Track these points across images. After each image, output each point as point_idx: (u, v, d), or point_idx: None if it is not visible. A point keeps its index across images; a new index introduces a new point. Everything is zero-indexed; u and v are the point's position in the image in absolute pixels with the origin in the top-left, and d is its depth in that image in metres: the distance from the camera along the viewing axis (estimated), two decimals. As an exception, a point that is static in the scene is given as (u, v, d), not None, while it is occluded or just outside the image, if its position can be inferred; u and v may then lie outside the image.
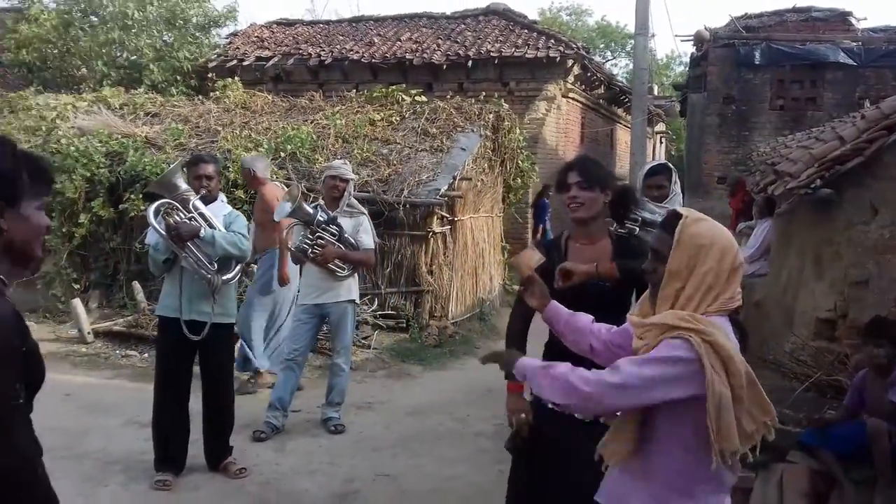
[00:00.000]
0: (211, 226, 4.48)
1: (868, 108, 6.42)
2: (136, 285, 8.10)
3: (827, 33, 13.76)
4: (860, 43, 13.35)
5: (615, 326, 2.49)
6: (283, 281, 6.30)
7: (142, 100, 10.67)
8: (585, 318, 2.55)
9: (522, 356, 2.41)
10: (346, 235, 5.45)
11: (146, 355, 7.16)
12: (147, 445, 4.72)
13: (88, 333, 7.49)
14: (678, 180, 5.02)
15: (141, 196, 8.09)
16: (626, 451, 2.20)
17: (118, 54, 13.60)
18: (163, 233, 4.38)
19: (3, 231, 1.73)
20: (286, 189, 6.13)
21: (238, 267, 4.73)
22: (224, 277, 4.55)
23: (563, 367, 2.17)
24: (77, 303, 7.66)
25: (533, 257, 2.68)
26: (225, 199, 4.97)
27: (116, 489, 4.44)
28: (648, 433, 2.18)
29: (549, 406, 2.98)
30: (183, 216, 4.42)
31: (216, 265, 4.49)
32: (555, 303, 2.61)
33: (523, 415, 3.12)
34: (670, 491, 2.15)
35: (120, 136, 8.96)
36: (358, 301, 5.90)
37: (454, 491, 4.63)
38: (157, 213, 4.42)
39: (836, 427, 4.33)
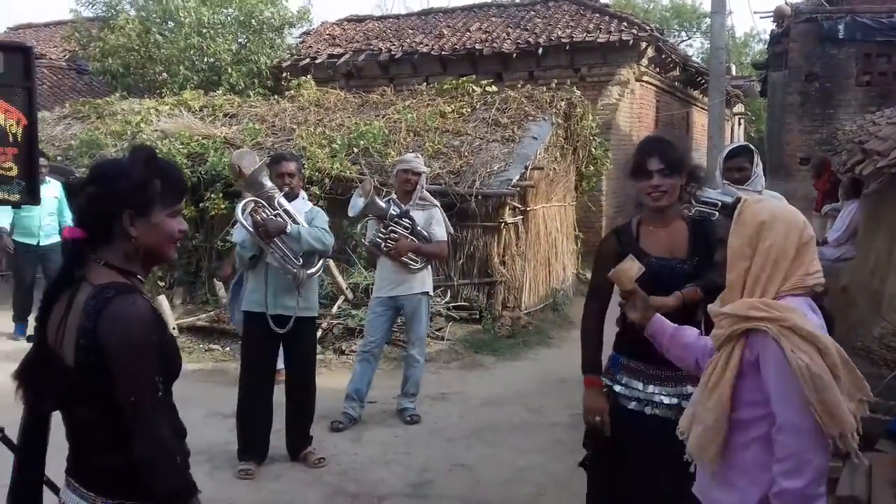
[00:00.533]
0: (295, 222, 4.60)
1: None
2: (218, 282, 8.37)
3: (918, 2, 13.03)
4: (954, 11, 12.59)
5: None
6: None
7: (220, 101, 10.99)
8: (691, 333, 2.49)
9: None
10: (418, 228, 5.50)
11: (228, 349, 7.41)
12: (230, 436, 4.88)
13: (174, 328, 7.77)
14: (760, 162, 4.86)
15: (221, 195, 8.34)
16: (708, 443, 2.12)
17: (198, 59, 14.01)
18: (251, 230, 4.51)
19: (132, 237, 1.84)
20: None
21: (321, 261, 4.84)
22: (309, 272, 4.67)
23: (780, 488, 1.98)
24: (162, 299, 7.98)
25: (633, 268, 2.55)
26: (306, 196, 5.10)
27: (202, 478, 4.54)
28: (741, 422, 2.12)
29: (628, 407, 2.96)
30: (269, 213, 4.54)
31: (301, 260, 4.61)
32: (659, 316, 2.53)
33: (598, 417, 3.03)
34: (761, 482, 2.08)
35: (200, 138, 9.27)
36: (432, 293, 5.95)
37: (529, 481, 4.62)
38: (244, 210, 4.56)
39: (928, 416, 4.13)
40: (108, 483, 1.84)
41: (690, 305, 2.91)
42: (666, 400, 2.94)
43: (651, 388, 2.95)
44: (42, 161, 7.35)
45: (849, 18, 12.74)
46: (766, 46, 18.69)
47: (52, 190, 7.60)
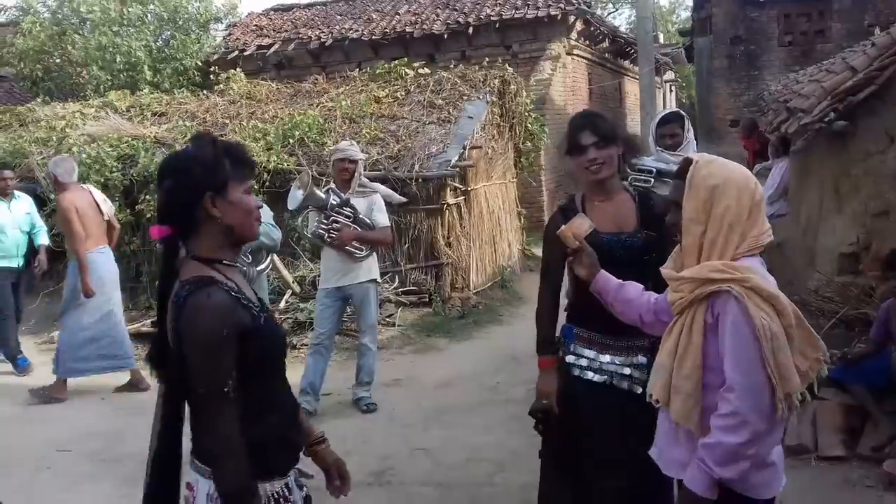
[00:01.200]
0: None
1: (878, 35, 6.27)
2: (160, 285, 8.18)
3: (832, -39, 13.42)
4: (867, -32, 13.00)
5: (659, 295, 2.42)
6: (87, 293, 6.04)
7: (147, 100, 10.70)
8: (635, 288, 2.50)
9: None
10: (360, 216, 5.46)
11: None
12: (185, 444, 4.78)
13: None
14: (691, 127, 4.95)
15: (155, 196, 8.14)
16: (691, 408, 2.12)
17: (111, 58, 13.57)
18: None
19: (217, 218, 1.91)
20: (83, 192, 6.11)
21: (269, 257, 4.76)
22: (258, 268, 4.59)
23: (715, 440, 2.04)
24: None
25: (583, 225, 2.55)
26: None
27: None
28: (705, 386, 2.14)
29: (584, 378, 2.94)
30: None
31: (250, 257, 4.52)
32: (604, 273, 2.53)
33: (545, 401, 3.02)
34: None
35: (130, 139, 8.99)
36: (379, 280, 5.92)
37: (487, 459, 4.66)
38: None
39: (866, 360, 4.30)
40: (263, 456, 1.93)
41: (650, 246, 2.90)
42: (618, 369, 2.94)
43: (604, 358, 2.95)
44: (7, 173, 7.02)
45: (768, -20, 13.06)
46: (691, 13, 19.02)
47: (22, 205, 7.07)
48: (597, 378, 2.95)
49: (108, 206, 6.44)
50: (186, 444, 2.00)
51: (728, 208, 2.05)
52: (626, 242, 2.92)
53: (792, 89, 7.83)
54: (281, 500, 1.97)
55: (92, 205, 6.21)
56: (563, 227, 2.60)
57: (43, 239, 7.19)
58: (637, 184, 3.64)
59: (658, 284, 2.46)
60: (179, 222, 1.93)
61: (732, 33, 13.33)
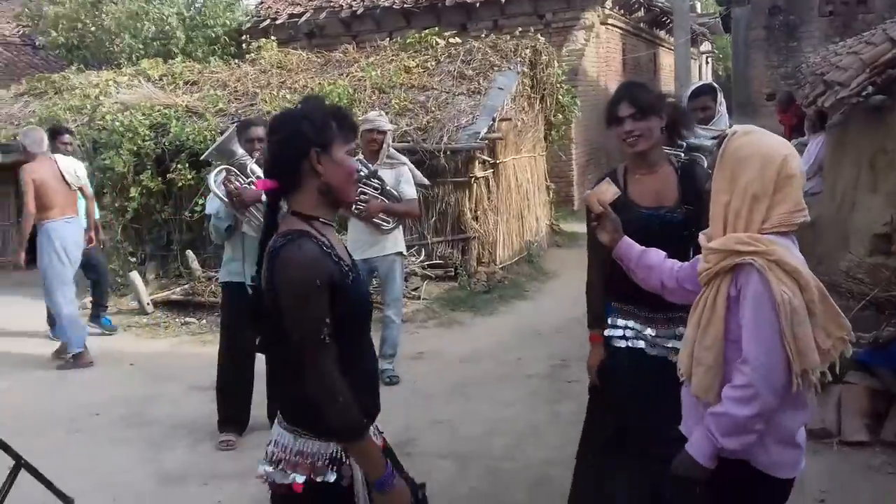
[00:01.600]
0: None
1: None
2: (190, 254, 8.30)
3: (879, -72, 12.96)
4: (916, -65, 12.54)
5: (683, 263, 2.43)
6: (18, 263, 6.33)
7: (180, 69, 10.75)
8: (657, 255, 2.49)
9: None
10: (388, 188, 5.45)
11: (204, 321, 7.38)
12: (210, 409, 4.88)
13: (148, 304, 7.74)
14: (723, 101, 4.85)
15: (187, 165, 8.22)
16: (711, 381, 2.12)
17: (142, 26, 13.63)
18: (225, 199, 4.42)
19: (320, 174, 1.98)
20: (50, 162, 6.17)
21: None
22: None
23: (724, 409, 2.04)
24: (135, 275, 7.90)
25: (609, 191, 2.55)
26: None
27: (182, 451, 4.63)
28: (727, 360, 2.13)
29: (626, 348, 2.95)
30: (242, 181, 4.44)
31: None
32: (627, 239, 2.52)
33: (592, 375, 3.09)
34: None
35: (162, 108, 9.07)
36: (405, 253, 5.93)
37: (508, 431, 4.69)
38: (216, 180, 4.46)
39: (894, 345, 4.22)
40: (291, 413, 2.05)
41: (689, 221, 2.83)
42: (661, 342, 2.92)
43: (648, 331, 2.94)
44: (66, 137, 7.10)
45: (811, -52, 12.66)
46: (730, -18, 18.49)
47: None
48: (640, 345, 2.95)
49: (77, 176, 6.51)
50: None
51: (752, 179, 2.02)
52: (665, 217, 2.89)
53: (830, 61, 7.62)
54: (335, 462, 1.99)
55: (56, 175, 6.32)
56: (587, 192, 2.60)
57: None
58: (680, 156, 3.56)
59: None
60: (285, 176, 2.01)
61: (771, 3, 13.00)
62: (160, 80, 10.44)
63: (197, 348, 6.62)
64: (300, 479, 1.99)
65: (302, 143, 1.98)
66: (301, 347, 1.92)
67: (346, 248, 2.14)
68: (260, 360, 4.78)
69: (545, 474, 4.08)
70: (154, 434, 4.89)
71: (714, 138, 4.51)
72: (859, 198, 5.86)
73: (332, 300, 1.94)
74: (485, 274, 8.14)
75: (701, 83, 5.15)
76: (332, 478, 1.98)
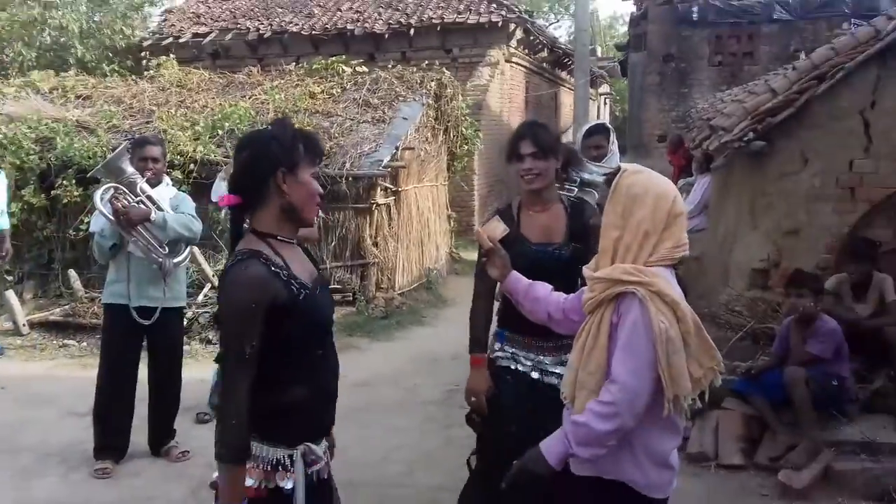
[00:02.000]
0: (159, 209, 4.37)
1: (802, 59, 6.52)
2: (72, 273, 7.90)
3: (764, -14, 13.91)
4: (795, -4, 13.52)
5: (569, 295, 2.48)
6: None
7: (72, 82, 10.31)
8: (544, 288, 2.54)
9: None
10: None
11: (84, 344, 7.03)
12: (86, 435, 4.63)
13: (24, 325, 7.30)
14: (615, 140, 5.06)
15: (74, 182, 7.87)
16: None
17: (38, 33, 13.04)
18: (111, 217, 4.24)
19: (284, 193, 2.05)
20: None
21: (188, 249, 4.65)
22: (175, 260, 4.46)
23: (584, 420, 2.11)
24: (10, 294, 7.44)
25: (497, 228, 2.63)
26: (171, 182, 4.85)
27: (54, 480, 4.35)
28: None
29: (511, 368, 2.99)
30: (131, 200, 4.29)
31: (167, 248, 4.40)
32: (515, 273, 2.58)
33: (474, 398, 3.05)
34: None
35: (50, 121, 8.67)
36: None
37: (401, 459, 4.64)
38: (103, 197, 4.29)
39: (767, 374, 4.44)
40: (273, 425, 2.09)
41: (577, 257, 2.92)
42: (547, 367, 2.99)
43: (538, 358, 3.00)
44: None
45: (702, 1, 13.46)
46: (627, 29, 19.39)
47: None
48: (521, 368, 3.01)
49: None
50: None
51: (644, 217, 2.11)
52: (554, 254, 2.99)
53: (717, 108, 8.07)
54: (280, 467, 2.07)
55: None
56: (477, 228, 2.65)
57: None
58: (571, 195, 3.69)
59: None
60: (249, 193, 2.09)
61: (665, 51, 13.67)
62: (50, 93, 10.00)
63: (75, 372, 6.27)
64: (250, 482, 2.04)
65: (269, 162, 2.05)
66: (224, 360, 2.02)
67: (312, 262, 2.24)
68: (142, 384, 4.60)
69: (433, 500, 4.06)
70: (24, 462, 4.58)
71: (605, 175, 4.72)
72: (740, 235, 6.18)
73: (280, 320, 2.00)
74: (383, 300, 8.11)
75: (595, 123, 5.35)
76: (286, 484, 2.06)
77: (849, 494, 3.98)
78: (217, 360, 2.37)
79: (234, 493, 2.00)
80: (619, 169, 2.23)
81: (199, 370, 5.89)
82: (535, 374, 3.00)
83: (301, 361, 2.08)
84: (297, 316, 2.03)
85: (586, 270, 2.26)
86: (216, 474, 2.05)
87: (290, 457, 2.08)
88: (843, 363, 4.34)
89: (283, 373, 2.06)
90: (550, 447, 2.17)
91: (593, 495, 2.20)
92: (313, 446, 2.11)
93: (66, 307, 7.60)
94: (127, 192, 4.31)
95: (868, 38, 5.31)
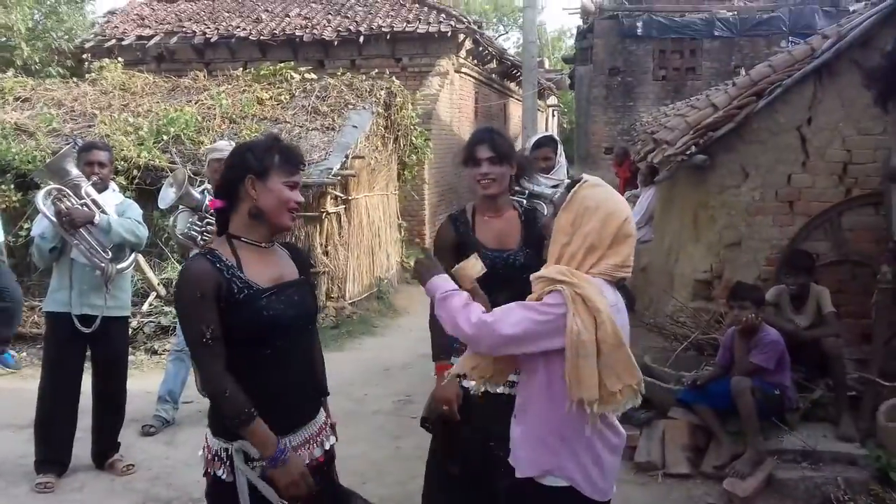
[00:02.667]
0: (104, 213, 4.28)
1: (741, 76, 6.72)
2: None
3: (705, 3, 14.30)
4: (736, 13, 13.94)
5: None
6: None
7: (10, 84, 9.99)
8: None
9: (442, 273, 2.39)
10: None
11: (24, 354, 6.81)
12: (25, 448, 4.50)
13: (-39, 335, 7.04)
14: (563, 152, 5.15)
15: (12, 186, 7.63)
16: (491, 371, 2.32)
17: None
18: (53, 219, 4.14)
19: (253, 199, 2.23)
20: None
21: (132, 255, 4.55)
22: (119, 266, 4.36)
23: (457, 302, 2.25)
24: (-55, 302, 7.17)
25: (476, 267, 2.56)
26: (117, 189, 4.75)
27: (-8, 496, 4.22)
28: (523, 378, 2.31)
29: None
30: (74, 202, 4.20)
31: (110, 253, 4.30)
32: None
33: (446, 407, 3.00)
34: (546, 435, 2.22)
35: (-14, 124, 8.39)
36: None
37: (351, 470, 4.56)
38: (46, 198, 4.19)
39: (712, 384, 4.55)
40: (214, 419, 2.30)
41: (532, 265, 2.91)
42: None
43: None
44: None
45: (646, 17, 13.76)
46: (574, 42, 19.72)
47: None
48: (470, 384, 2.94)
49: None
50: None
51: (592, 230, 2.16)
52: (508, 259, 3.03)
53: (660, 122, 8.26)
54: (216, 459, 2.24)
55: None
56: (456, 266, 2.59)
57: None
58: (513, 200, 3.74)
59: None
60: (226, 197, 2.28)
61: (611, 64, 13.94)
62: (-14, 94, 9.67)
63: (13, 383, 6.09)
64: (202, 470, 2.28)
65: (241, 169, 2.25)
66: (191, 350, 2.21)
67: (294, 262, 2.40)
68: (84, 396, 4.48)
69: (386, 511, 4.05)
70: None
71: (553, 187, 4.79)
72: (684, 247, 6.34)
73: (222, 315, 2.17)
74: (334, 309, 8.07)
75: (543, 135, 5.43)
76: (222, 475, 2.22)
77: (791, 502, 4.10)
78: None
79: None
80: (579, 178, 2.29)
81: (144, 381, 5.79)
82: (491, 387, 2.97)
83: (241, 359, 2.19)
84: (235, 313, 2.16)
85: (533, 274, 2.29)
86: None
87: (227, 450, 2.22)
88: (785, 373, 4.47)
89: (236, 369, 2.18)
90: (437, 283, 2.33)
91: (539, 500, 2.24)
92: (247, 444, 2.18)
93: (4, 316, 7.33)
94: (71, 194, 4.23)
95: (804, 56, 5.51)
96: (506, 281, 2.80)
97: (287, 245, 2.51)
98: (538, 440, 2.23)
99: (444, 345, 3.12)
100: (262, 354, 2.22)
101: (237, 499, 2.19)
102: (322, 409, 2.44)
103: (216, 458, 2.24)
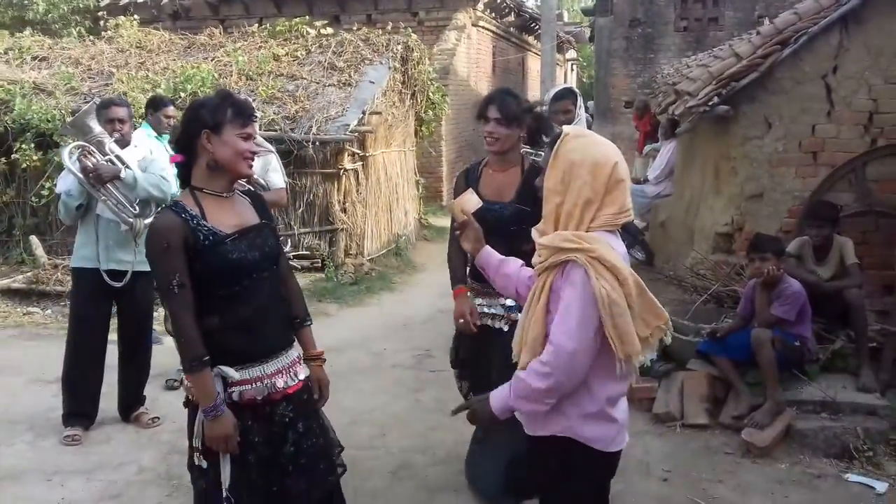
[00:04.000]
0: (129, 168, 4.29)
1: (766, 24, 6.57)
2: (34, 240, 7.75)
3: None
4: (761, -39, 13.54)
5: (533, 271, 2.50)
6: None
7: (28, 43, 9.99)
8: (514, 265, 2.56)
9: (498, 390, 2.33)
10: (255, 177, 5.29)
11: (49, 311, 6.91)
12: (54, 402, 4.59)
13: (-15, 292, 7.17)
14: (583, 104, 5.08)
15: (32, 146, 7.68)
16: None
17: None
18: (80, 175, 4.16)
19: (209, 152, 2.40)
20: None
21: (158, 210, 4.56)
22: (146, 221, 4.38)
23: (518, 384, 2.19)
24: (-30, 261, 7.30)
25: (470, 201, 2.63)
26: (139, 145, 4.75)
27: (22, 447, 4.31)
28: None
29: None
30: (99, 158, 4.21)
31: (137, 208, 4.33)
32: (487, 248, 2.61)
33: (462, 319, 3.31)
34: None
35: (5, 83, 8.41)
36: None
37: (372, 421, 4.68)
38: (71, 155, 4.20)
39: (731, 336, 4.54)
40: None
41: (521, 215, 3.22)
42: (482, 309, 3.38)
43: (476, 301, 3.41)
44: None
45: (668, -34, 13.40)
46: (594, -7, 19.28)
47: None
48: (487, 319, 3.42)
49: None
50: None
51: (585, 184, 2.11)
52: (497, 211, 3.25)
53: (682, 73, 8.11)
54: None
55: None
56: (452, 201, 2.71)
57: None
58: (529, 153, 3.80)
59: (519, 254, 2.67)
60: (184, 152, 2.46)
61: (632, 15, 13.65)
62: (5, 54, 9.68)
63: (40, 340, 6.19)
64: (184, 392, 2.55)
65: (195, 124, 2.41)
66: (160, 296, 2.40)
67: (262, 214, 2.57)
68: (111, 351, 4.56)
69: (405, 462, 4.11)
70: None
71: (548, 140, 4.75)
72: (704, 200, 6.27)
73: (191, 259, 2.36)
74: (352, 266, 8.09)
75: (562, 87, 5.35)
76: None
77: (810, 452, 4.10)
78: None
79: (206, 394, 2.38)
80: (558, 133, 2.22)
81: (167, 336, 5.85)
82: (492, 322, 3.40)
83: (212, 296, 2.41)
84: (202, 258, 2.37)
85: (534, 233, 2.27)
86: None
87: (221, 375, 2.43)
88: (806, 324, 4.44)
89: (199, 305, 2.39)
90: (497, 398, 2.25)
91: (548, 452, 2.26)
92: (227, 369, 2.41)
93: (29, 274, 7.45)
94: (95, 151, 4.24)
95: (830, 3, 5.37)
96: (495, 231, 2.94)
97: (247, 193, 2.69)
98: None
99: (458, 274, 3.46)
100: (231, 292, 2.43)
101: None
102: (296, 343, 2.66)
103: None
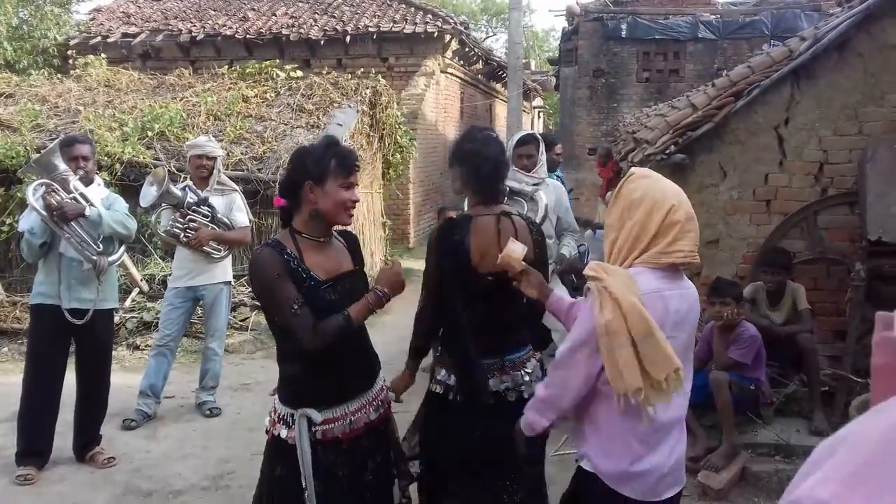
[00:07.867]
0: (93, 206, 4.30)
1: (722, 77, 6.80)
2: (-6, 277, 7.65)
3: (689, 6, 14.42)
4: (719, 16, 14.06)
5: None
6: None
7: (-6, 80, 9.98)
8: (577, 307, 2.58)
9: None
10: (219, 215, 5.32)
11: (6, 349, 6.79)
12: (6, 441, 4.51)
13: (-60, 330, 7.03)
14: (545, 150, 5.20)
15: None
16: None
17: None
18: (43, 213, 4.16)
19: (313, 202, 2.45)
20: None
21: (122, 248, 4.57)
22: (110, 259, 4.38)
23: (528, 413, 2.39)
24: (-74, 297, 7.16)
25: (517, 249, 2.57)
26: (102, 182, 4.76)
27: (-28, 488, 4.22)
28: None
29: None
30: (64, 196, 4.22)
31: (101, 246, 4.32)
32: (556, 293, 2.64)
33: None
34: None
35: (-31, 119, 8.36)
36: (233, 282, 5.79)
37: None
38: (35, 193, 4.20)
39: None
40: (282, 389, 2.58)
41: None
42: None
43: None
44: None
45: (630, 19, 13.85)
46: (559, 43, 19.80)
47: None
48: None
49: None
50: None
51: (637, 223, 2.15)
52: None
53: (641, 122, 8.34)
54: (280, 421, 2.52)
55: None
56: (501, 255, 2.60)
57: None
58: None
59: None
60: (288, 198, 2.53)
61: (595, 66, 14.03)
62: (-30, 90, 9.63)
63: (-5, 378, 6.08)
64: (266, 425, 2.59)
65: (300, 174, 2.47)
66: (284, 324, 2.38)
67: (349, 252, 2.63)
68: (67, 389, 4.49)
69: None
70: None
71: (535, 184, 4.84)
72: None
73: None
74: (316, 307, 8.07)
75: (526, 132, 5.48)
76: (282, 433, 2.49)
77: (765, 495, 4.17)
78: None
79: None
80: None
81: (126, 377, 5.79)
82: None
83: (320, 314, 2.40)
84: (303, 298, 2.38)
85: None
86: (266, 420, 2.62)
87: (292, 415, 2.48)
88: (761, 368, 4.54)
89: (285, 347, 2.49)
90: (523, 420, 2.42)
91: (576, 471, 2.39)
92: (311, 411, 2.45)
93: (-13, 311, 7.33)
94: (59, 189, 4.24)
95: (782, 58, 5.59)
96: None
97: (342, 234, 2.71)
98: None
99: (419, 347, 3.12)
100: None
101: (293, 454, 2.46)
102: (379, 379, 2.70)
103: (280, 421, 2.51)
